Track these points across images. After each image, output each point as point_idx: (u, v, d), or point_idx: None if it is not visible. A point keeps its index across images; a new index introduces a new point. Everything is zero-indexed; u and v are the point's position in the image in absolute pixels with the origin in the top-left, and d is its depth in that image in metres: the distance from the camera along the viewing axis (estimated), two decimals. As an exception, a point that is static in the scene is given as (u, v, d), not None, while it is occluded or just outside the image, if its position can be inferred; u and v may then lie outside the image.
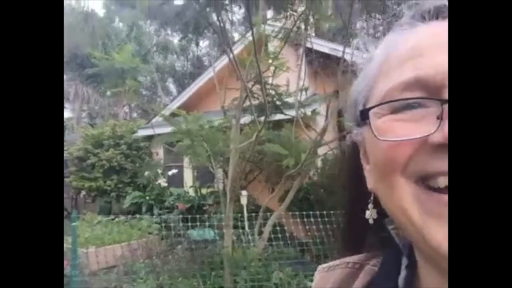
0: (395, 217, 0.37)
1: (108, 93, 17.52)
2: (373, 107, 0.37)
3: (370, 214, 0.43)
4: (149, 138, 9.03)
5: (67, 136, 16.38)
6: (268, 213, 4.57)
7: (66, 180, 9.50)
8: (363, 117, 0.38)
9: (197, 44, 20.51)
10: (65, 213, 9.97)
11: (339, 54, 4.75)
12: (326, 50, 5.92)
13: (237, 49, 5.48)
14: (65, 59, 18.00)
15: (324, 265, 0.52)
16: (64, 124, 18.35)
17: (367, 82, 0.41)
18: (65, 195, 10.42)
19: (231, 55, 3.96)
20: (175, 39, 20.18)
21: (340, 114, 4.49)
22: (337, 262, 0.50)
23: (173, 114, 5.41)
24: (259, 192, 6.30)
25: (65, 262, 3.36)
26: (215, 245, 4.68)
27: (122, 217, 6.66)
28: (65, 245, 3.98)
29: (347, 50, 3.99)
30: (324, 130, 4.27)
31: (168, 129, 5.41)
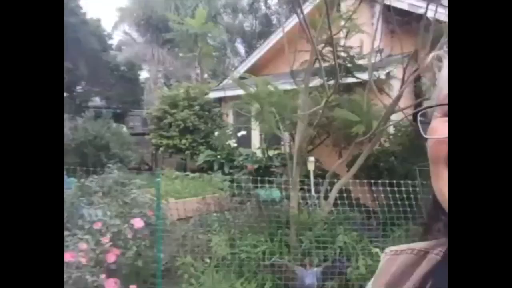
0: (439, 200, 0.41)
1: (181, 54, 18.19)
2: (418, 111, 0.42)
3: None
4: (220, 100, 9.39)
5: (146, 96, 17.68)
6: (335, 180, 4.59)
7: (146, 137, 10.43)
8: (414, 118, 0.44)
9: (266, 2, 20.05)
10: (146, 167, 11.04)
11: (420, 11, 4.33)
12: (405, 7, 5.41)
13: (307, 8, 5.28)
14: (141, 22, 18.94)
15: (392, 248, 0.55)
16: (143, 84, 19.74)
17: (440, 84, 0.45)
18: (145, 151, 11.48)
19: (301, 17, 3.85)
20: (244, -1, 19.93)
21: (418, 78, 4.19)
22: (404, 247, 0.53)
23: (242, 77, 5.53)
24: (326, 156, 6.28)
25: (150, 212, 3.82)
26: (281, 205, 4.88)
27: (196, 174, 7.20)
28: (149, 196, 4.49)
29: (430, 6, 3.62)
30: (399, 96, 4.04)
31: (238, 91, 5.56)
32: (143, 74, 20.56)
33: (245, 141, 8.87)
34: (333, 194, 4.55)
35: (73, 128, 7.59)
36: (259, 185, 4.64)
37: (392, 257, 0.54)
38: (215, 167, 7.95)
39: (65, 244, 2.53)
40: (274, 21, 20.56)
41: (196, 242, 4.41)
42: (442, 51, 0.46)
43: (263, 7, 20.82)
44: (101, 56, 17.75)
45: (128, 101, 18.37)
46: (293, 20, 7.19)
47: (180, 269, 3.96)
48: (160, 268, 3.67)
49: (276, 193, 5.40)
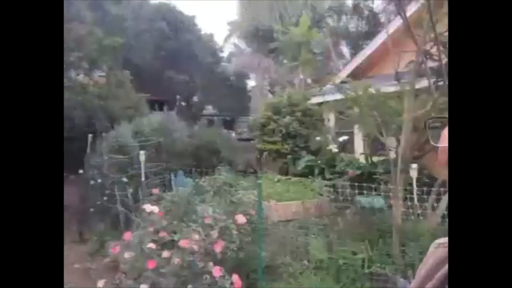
0: None
1: (285, 61, 18.72)
2: (429, 118, 0.47)
3: None
4: (322, 104, 9.43)
5: (253, 104, 18.75)
6: (442, 189, 4.21)
7: (252, 142, 11.10)
8: (425, 126, 0.50)
9: (373, 1, 19.26)
10: (251, 170, 11.73)
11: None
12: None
13: (415, 6, 4.96)
14: (249, 33, 20.12)
15: (438, 241, 0.58)
16: (250, 92, 20.95)
17: None
18: (252, 155, 12.20)
19: (404, 16, 3.69)
20: None
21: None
22: (446, 240, 0.55)
23: (343, 81, 5.50)
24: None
25: (253, 212, 4.13)
26: (383, 214, 4.69)
27: (297, 178, 7.39)
28: (252, 197, 4.82)
29: None
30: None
31: (339, 96, 5.55)
32: (251, 83, 21.84)
33: (348, 146, 8.71)
34: (443, 204, 4.19)
35: (190, 135, 8.61)
36: (357, 191, 4.56)
37: (434, 250, 0.57)
38: (316, 172, 7.99)
39: (180, 232, 2.97)
40: (383, 19, 19.55)
41: (295, 243, 4.57)
42: None
43: (370, 6, 19.99)
44: (213, 68, 19.53)
45: (237, 108, 19.77)
46: (399, 19, 6.81)
47: (280, 267, 4.16)
48: (261, 265, 3.94)
49: (379, 201, 5.20)
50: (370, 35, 16.35)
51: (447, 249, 0.52)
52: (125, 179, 5.94)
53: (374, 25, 19.27)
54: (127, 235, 3.00)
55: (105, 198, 5.89)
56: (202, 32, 20.01)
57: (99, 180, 6.15)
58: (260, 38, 19.74)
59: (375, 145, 7.57)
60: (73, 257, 5.12)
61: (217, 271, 2.53)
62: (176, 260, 2.56)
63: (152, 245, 2.82)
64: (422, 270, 0.56)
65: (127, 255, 2.98)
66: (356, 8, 19.06)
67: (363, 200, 5.18)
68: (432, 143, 0.45)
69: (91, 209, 6.02)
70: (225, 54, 22.21)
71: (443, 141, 0.45)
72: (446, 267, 0.50)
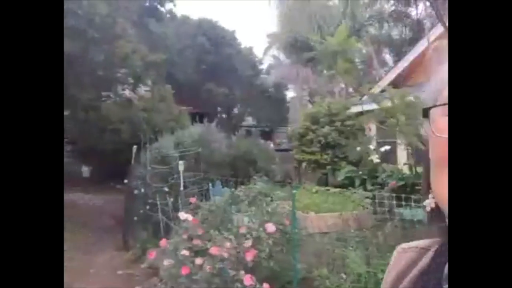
0: (443, 207, 0.41)
1: (324, 71, 18.52)
2: (431, 107, 0.42)
3: (429, 203, 0.49)
4: (362, 114, 9.20)
5: (292, 114, 18.73)
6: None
7: (290, 152, 11.06)
8: (425, 114, 0.43)
9: (416, 7, 18.63)
10: (289, 181, 11.65)
11: None
12: None
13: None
14: (288, 45, 20.23)
15: (403, 245, 0.58)
16: (289, 103, 20.97)
17: (438, 86, 0.44)
18: (290, 166, 12.13)
19: (444, 22, 3.54)
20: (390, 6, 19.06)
21: None
22: (412, 244, 0.56)
23: (384, 90, 5.35)
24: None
25: (287, 222, 4.10)
26: (428, 226, 4.44)
27: (336, 189, 7.22)
28: (287, 207, 4.80)
29: None
30: None
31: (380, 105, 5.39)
32: (289, 94, 21.88)
33: (391, 157, 8.39)
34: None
35: (228, 145, 8.79)
36: (395, 202, 4.37)
37: (400, 254, 0.56)
38: (357, 183, 7.77)
39: (213, 240, 3.03)
40: (427, 25, 18.83)
41: (332, 256, 4.45)
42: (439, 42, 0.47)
43: (414, 12, 19.36)
44: (253, 81, 19.85)
45: (275, 119, 19.87)
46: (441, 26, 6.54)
47: (316, 280, 4.06)
48: (296, 276, 3.88)
49: (422, 214, 4.94)
50: (414, 41, 15.80)
51: (416, 253, 0.53)
52: (166, 189, 6.16)
53: (418, 31, 18.60)
54: (163, 242, 3.11)
55: (147, 207, 6.14)
56: (242, 46, 20.48)
57: (142, 190, 6.44)
58: (298, 49, 19.78)
59: (419, 155, 7.23)
60: (117, 264, 5.37)
61: (248, 280, 2.54)
62: (207, 267, 2.61)
63: (186, 252, 2.90)
64: (389, 277, 0.55)
65: (166, 262, 3.08)
66: (393, 15, 18.54)
67: (405, 212, 4.95)
68: (436, 134, 0.41)
69: (135, 218, 6.30)
70: (264, 66, 22.50)
71: (440, 133, 0.40)
72: (416, 269, 0.50)
